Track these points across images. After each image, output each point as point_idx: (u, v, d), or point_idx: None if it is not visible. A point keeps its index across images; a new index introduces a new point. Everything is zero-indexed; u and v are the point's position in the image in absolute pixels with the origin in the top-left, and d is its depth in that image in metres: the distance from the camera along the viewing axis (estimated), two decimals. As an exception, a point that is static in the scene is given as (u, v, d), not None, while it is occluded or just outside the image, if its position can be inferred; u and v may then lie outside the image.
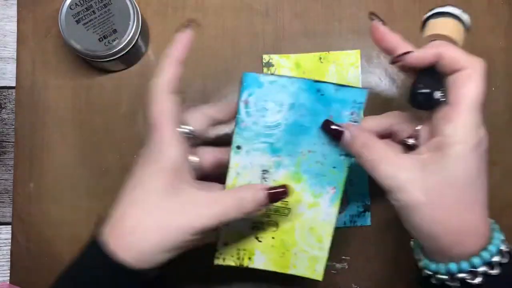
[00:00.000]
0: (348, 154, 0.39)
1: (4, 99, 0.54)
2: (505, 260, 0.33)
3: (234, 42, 0.54)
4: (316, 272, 0.41)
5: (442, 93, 0.34)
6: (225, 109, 0.41)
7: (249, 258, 0.42)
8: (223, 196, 0.37)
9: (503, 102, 0.53)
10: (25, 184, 0.52)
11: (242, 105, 0.39)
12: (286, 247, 0.41)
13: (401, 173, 0.33)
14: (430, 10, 0.41)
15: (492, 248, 0.33)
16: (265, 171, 0.40)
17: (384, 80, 0.53)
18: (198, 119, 0.40)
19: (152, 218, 0.34)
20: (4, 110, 0.54)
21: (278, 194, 0.37)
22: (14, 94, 0.54)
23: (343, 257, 0.52)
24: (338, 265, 0.52)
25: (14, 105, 0.54)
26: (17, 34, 0.54)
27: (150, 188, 0.35)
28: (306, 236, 0.41)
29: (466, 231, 0.33)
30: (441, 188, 0.32)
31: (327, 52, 0.53)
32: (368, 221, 0.52)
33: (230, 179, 0.40)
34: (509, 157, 0.53)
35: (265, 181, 0.40)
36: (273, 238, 0.41)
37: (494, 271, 0.33)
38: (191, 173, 0.38)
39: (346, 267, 0.52)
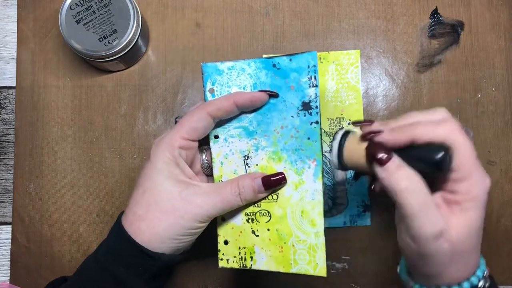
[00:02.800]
0: (317, 122, 0.39)
1: (4, 99, 0.54)
2: (488, 284, 0.36)
3: (234, 42, 0.54)
4: (319, 266, 0.40)
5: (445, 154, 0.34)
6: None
7: (251, 258, 0.41)
8: (223, 186, 0.39)
9: (503, 102, 0.53)
10: (25, 184, 0.52)
11: (208, 94, 0.41)
12: (282, 239, 0.41)
13: (442, 222, 0.34)
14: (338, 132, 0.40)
15: (479, 273, 0.36)
16: (246, 157, 0.41)
17: (384, 80, 0.53)
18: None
19: (159, 207, 0.37)
20: (4, 110, 0.54)
21: (274, 180, 0.40)
22: (14, 94, 0.54)
23: (343, 257, 0.52)
24: (338, 265, 0.51)
25: (14, 105, 0.54)
26: (17, 34, 0.54)
27: (158, 181, 0.38)
28: (299, 222, 0.40)
29: (465, 264, 0.36)
30: (462, 240, 0.35)
31: (327, 52, 0.53)
32: (368, 221, 0.52)
33: (216, 169, 0.42)
34: (508, 157, 0.53)
35: (248, 167, 0.41)
36: (268, 230, 0.41)
37: None
38: (201, 169, 0.42)
39: (346, 267, 0.52)
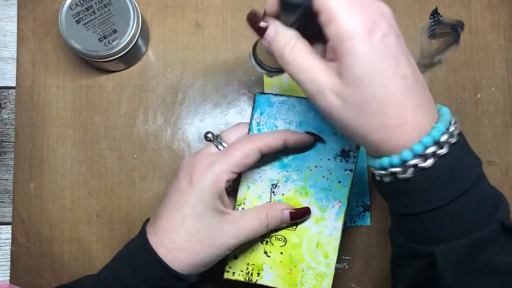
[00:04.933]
0: (352, 170, 0.41)
1: (4, 99, 0.54)
2: (443, 151, 0.30)
3: (234, 42, 0.54)
4: None
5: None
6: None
7: (258, 274, 0.42)
8: (253, 216, 0.41)
9: (503, 102, 0.53)
10: (25, 184, 0.52)
11: (254, 123, 0.42)
12: (293, 263, 0.42)
13: (321, 78, 0.31)
14: None
15: (427, 139, 0.30)
16: (274, 185, 0.42)
17: (384, 80, 0.53)
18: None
19: (199, 239, 0.39)
20: (4, 110, 0.54)
21: (300, 214, 0.42)
22: (14, 94, 0.54)
23: (343, 257, 0.52)
24: (338, 265, 0.51)
25: (14, 105, 0.54)
26: (17, 34, 0.54)
27: (199, 211, 0.39)
28: (313, 252, 0.42)
29: (393, 126, 0.31)
30: (351, 89, 0.30)
31: (327, 52, 0.53)
32: (368, 221, 0.52)
33: (241, 192, 0.43)
34: (508, 157, 0.53)
35: (274, 195, 0.42)
36: (281, 253, 0.42)
37: (426, 163, 0.30)
38: (229, 189, 0.42)
39: (346, 267, 0.52)
